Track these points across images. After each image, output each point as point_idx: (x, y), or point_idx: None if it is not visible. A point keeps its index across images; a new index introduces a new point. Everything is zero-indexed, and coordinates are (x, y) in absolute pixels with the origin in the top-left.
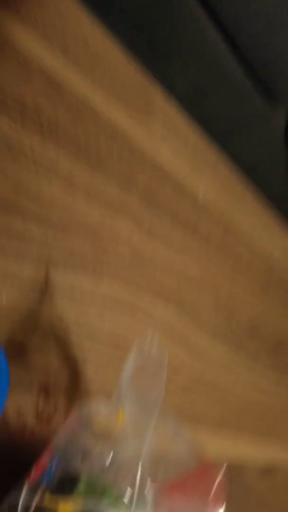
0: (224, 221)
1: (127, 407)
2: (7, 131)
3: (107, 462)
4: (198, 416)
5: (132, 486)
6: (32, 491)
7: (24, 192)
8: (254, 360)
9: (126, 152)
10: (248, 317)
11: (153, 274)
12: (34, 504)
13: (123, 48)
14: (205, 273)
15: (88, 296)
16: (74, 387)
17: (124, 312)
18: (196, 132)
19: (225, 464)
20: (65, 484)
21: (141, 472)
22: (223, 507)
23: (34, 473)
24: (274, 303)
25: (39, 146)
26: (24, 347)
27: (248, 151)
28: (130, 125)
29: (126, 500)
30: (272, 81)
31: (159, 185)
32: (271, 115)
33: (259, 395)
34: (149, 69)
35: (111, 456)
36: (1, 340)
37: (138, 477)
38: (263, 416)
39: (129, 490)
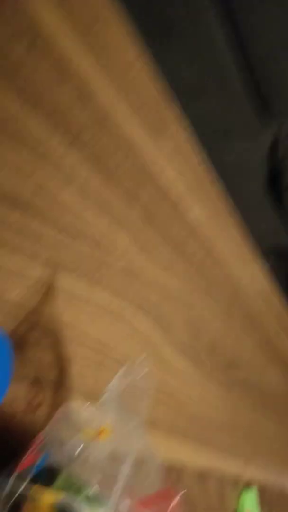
0: (207, 245)
1: (111, 417)
2: (37, 130)
3: (76, 453)
4: (153, 421)
5: (103, 487)
6: (20, 479)
7: (43, 194)
8: (208, 377)
9: (136, 168)
10: (209, 337)
11: (139, 287)
12: (19, 491)
13: (149, 58)
14: (183, 290)
15: (83, 302)
16: (61, 383)
17: (109, 320)
18: (198, 157)
19: (183, 491)
20: (48, 476)
21: (122, 485)
22: None
23: (25, 463)
24: (234, 327)
25: (64, 151)
26: (23, 341)
27: (230, 161)
28: (143, 142)
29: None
30: (269, 98)
31: (159, 203)
32: (260, 130)
33: (206, 408)
34: (159, 59)
35: (81, 448)
36: (6, 332)
37: (118, 488)
38: (206, 427)
39: (96, 487)
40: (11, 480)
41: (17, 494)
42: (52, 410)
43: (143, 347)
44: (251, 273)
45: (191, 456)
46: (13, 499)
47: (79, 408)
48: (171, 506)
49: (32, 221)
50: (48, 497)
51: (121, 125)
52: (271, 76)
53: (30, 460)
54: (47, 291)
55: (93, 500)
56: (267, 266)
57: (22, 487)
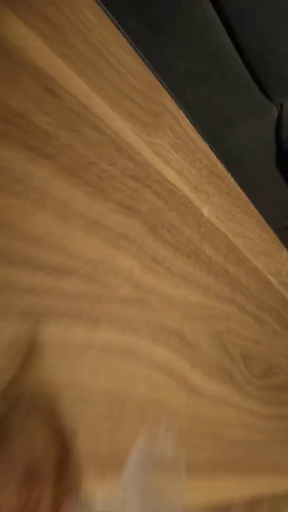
0: (225, 244)
1: (134, 504)
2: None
3: None
4: (192, 463)
5: None
6: None
7: (8, 230)
8: (243, 394)
9: (130, 171)
10: (239, 349)
11: (150, 314)
12: None
13: (130, 41)
14: (204, 303)
15: (82, 349)
16: (65, 459)
17: (120, 362)
18: (203, 147)
19: None
20: None
21: None
22: None
23: None
24: (264, 330)
25: (29, 166)
26: (6, 426)
27: (237, 148)
28: (133, 142)
29: None
30: (267, 75)
31: (162, 210)
32: (264, 110)
33: (246, 430)
34: (149, 52)
35: None
36: None
37: None
38: (248, 450)
39: None
40: None
41: None
42: (58, 501)
43: (168, 377)
44: (276, 266)
45: (238, 489)
46: None
47: (93, 494)
48: None
49: None
50: None
51: (101, 124)
52: (261, 55)
53: None
54: (29, 350)
55: None
56: None
57: None
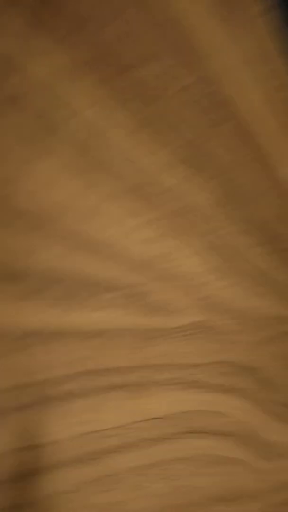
0: None
1: None
2: None
3: None
4: None
5: None
6: None
7: None
8: None
9: (205, 87)
10: None
11: (219, 340)
12: None
13: None
14: (279, 310)
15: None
16: None
17: (179, 444)
18: (282, 65)
19: None
20: None
21: None
22: None
23: None
24: None
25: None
26: None
27: None
28: (209, 24)
29: None
30: None
31: (243, 156)
32: None
33: None
34: None
35: None
36: None
37: None
38: None
39: None
40: None
41: None
42: None
43: (242, 443)
44: None
45: None
46: None
47: None
48: None
49: None
50: None
51: None
52: None
53: None
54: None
55: None
56: None
57: None
